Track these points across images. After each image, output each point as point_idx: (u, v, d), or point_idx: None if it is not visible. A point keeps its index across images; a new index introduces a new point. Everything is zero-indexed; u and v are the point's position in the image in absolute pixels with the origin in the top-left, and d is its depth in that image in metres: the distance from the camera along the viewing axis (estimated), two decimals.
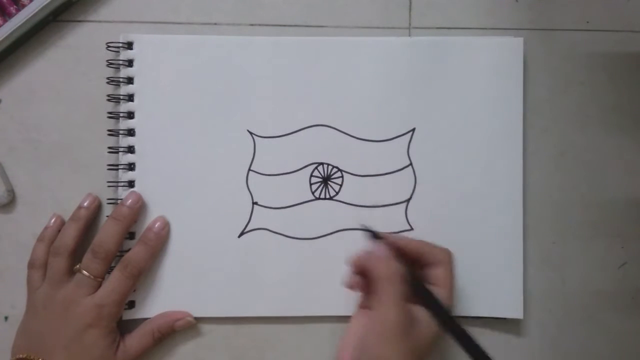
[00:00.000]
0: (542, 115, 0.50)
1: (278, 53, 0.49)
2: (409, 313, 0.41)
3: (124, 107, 0.48)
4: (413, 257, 0.44)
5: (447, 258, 0.44)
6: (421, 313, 0.42)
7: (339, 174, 0.49)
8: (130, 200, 0.47)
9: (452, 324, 0.42)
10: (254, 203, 0.48)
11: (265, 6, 0.50)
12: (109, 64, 0.48)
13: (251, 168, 0.49)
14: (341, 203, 0.49)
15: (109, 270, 0.46)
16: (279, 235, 0.48)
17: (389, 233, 0.46)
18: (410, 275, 0.42)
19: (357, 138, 0.49)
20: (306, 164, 0.49)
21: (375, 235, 0.44)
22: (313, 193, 0.49)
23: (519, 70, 0.49)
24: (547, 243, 0.50)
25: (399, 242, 0.44)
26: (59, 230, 0.47)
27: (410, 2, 0.50)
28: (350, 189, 0.49)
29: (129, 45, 0.48)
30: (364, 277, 0.43)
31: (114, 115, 0.48)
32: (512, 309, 0.49)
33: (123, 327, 0.47)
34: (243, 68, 0.48)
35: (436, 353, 0.49)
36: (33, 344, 0.44)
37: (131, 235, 0.48)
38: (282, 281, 0.48)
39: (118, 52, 0.48)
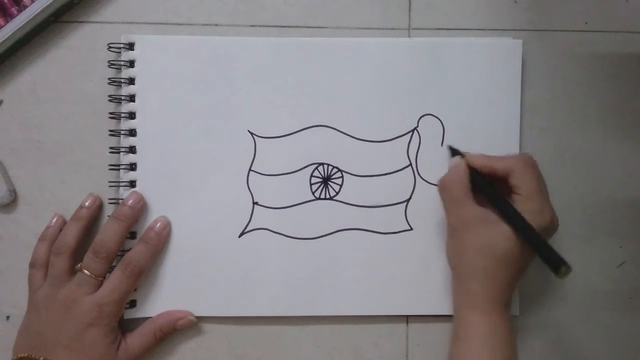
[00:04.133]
0: (541, 116, 0.50)
1: (278, 54, 0.49)
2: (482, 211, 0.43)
3: (125, 107, 0.48)
4: (495, 175, 0.45)
5: (517, 165, 0.44)
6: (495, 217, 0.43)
7: (339, 174, 0.49)
8: (131, 200, 0.47)
9: (518, 223, 0.42)
10: (255, 203, 0.49)
11: (266, 7, 0.50)
12: (111, 64, 0.48)
13: (252, 168, 0.49)
14: (341, 203, 0.49)
15: (110, 269, 0.46)
16: (280, 235, 0.49)
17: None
18: (479, 181, 0.44)
19: (357, 138, 0.49)
20: (306, 164, 0.49)
21: (455, 153, 0.47)
22: (313, 193, 0.49)
23: (517, 71, 0.49)
24: None
25: (474, 162, 0.45)
26: (61, 230, 0.47)
27: (410, 3, 0.50)
28: (350, 189, 0.49)
29: (130, 46, 0.48)
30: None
31: (116, 116, 0.48)
32: None
33: (124, 326, 0.47)
34: (244, 69, 0.49)
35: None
36: (34, 343, 0.44)
37: (132, 235, 0.48)
38: (283, 281, 0.48)
39: (119, 52, 0.49)
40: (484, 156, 0.45)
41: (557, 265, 0.40)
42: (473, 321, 0.44)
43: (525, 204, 0.43)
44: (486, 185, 0.45)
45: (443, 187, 0.46)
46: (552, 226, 0.44)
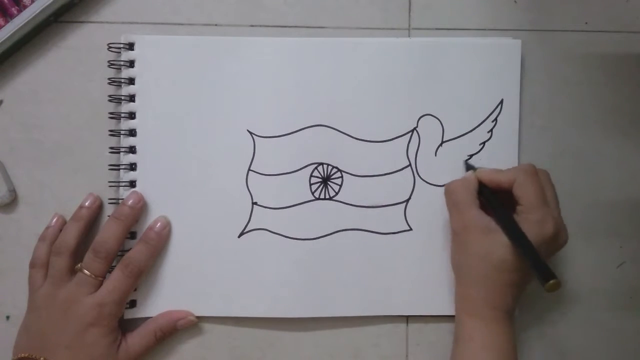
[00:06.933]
0: (540, 115, 0.50)
1: (278, 54, 0.49)
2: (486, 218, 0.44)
3: (125, 107, 0.48)
4: (502, 188, 0.45)
5: (518, 176, 0.44)
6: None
7: (338, 174, 0.49)
8: (131, 200, 0.47)
9: (513, 232, 0.42)
10: (254, 203, 0.49)
11: (266, 7, 0.50)
12: (110, 64, 0.48)
13: (251, 168, 0.49)
14: (341, 203, 0.49)
15: (110, 269, 0.46)
16: (279, 236, 0.49)
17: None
18: (484, 191, 0.45)
19: (357, 138, 0.49)
20: (306, 164, 0.49)
21: (469, 168, 0.48)
22: (313, 193, 0.49)
23: (517, 72, 0.49)
24: None
25: (483, 176, 0.45)
26: (61, 230, 0.47)
27: (410, 3, 0.50)
28: (350, 189, 0.49)
29: (130, 46, 0.48)
30: None
31: (115, 116, 0.48)
32: None
33: (125, 326, 0.47)
34: (243, 69, 0.49)
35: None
36: (35, 343, 0.45)
37: (132, 235, 0.48)
38: (282, 281, 0.48)
39: (119, 52, 0.49)
40: (492, 170, 0.46)
41: (546, 278, 0.40)
42: (472, 327, 0.44)
43: (525, 214, 0.43)
44: (490, 196, 0.45)
45: (449, 190, 0.46)
46: (556, 238, 0.44)
